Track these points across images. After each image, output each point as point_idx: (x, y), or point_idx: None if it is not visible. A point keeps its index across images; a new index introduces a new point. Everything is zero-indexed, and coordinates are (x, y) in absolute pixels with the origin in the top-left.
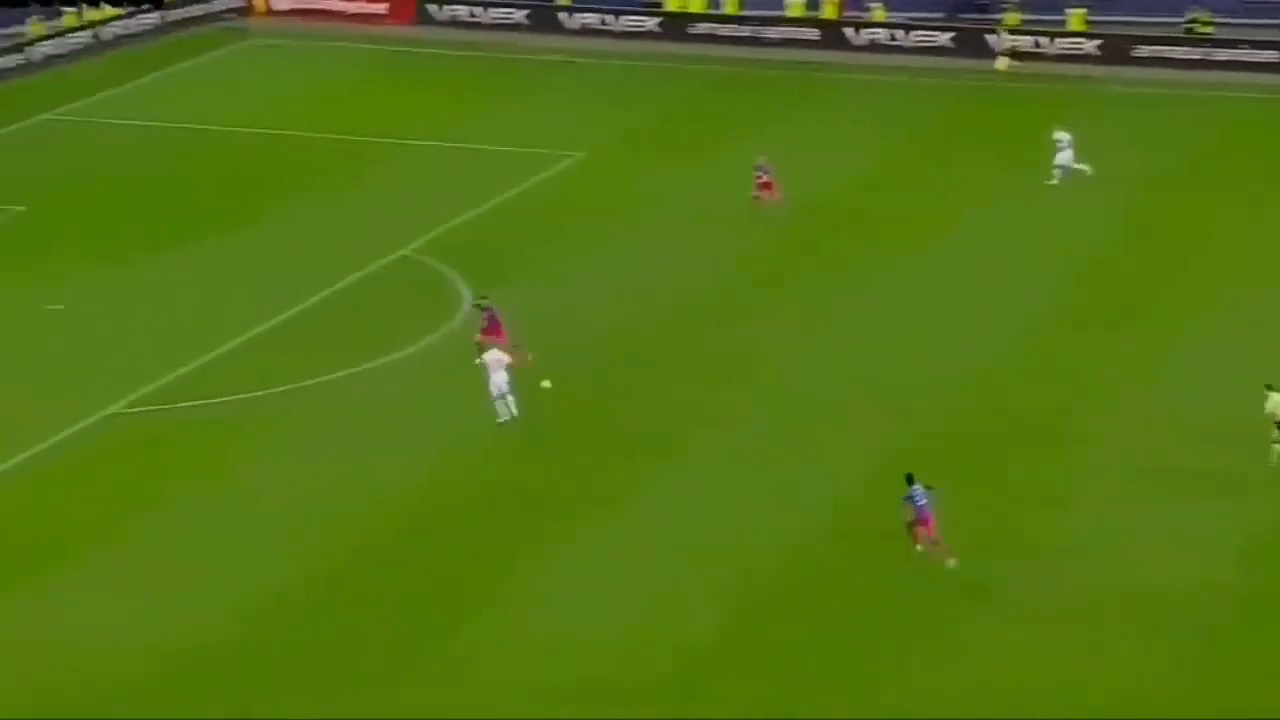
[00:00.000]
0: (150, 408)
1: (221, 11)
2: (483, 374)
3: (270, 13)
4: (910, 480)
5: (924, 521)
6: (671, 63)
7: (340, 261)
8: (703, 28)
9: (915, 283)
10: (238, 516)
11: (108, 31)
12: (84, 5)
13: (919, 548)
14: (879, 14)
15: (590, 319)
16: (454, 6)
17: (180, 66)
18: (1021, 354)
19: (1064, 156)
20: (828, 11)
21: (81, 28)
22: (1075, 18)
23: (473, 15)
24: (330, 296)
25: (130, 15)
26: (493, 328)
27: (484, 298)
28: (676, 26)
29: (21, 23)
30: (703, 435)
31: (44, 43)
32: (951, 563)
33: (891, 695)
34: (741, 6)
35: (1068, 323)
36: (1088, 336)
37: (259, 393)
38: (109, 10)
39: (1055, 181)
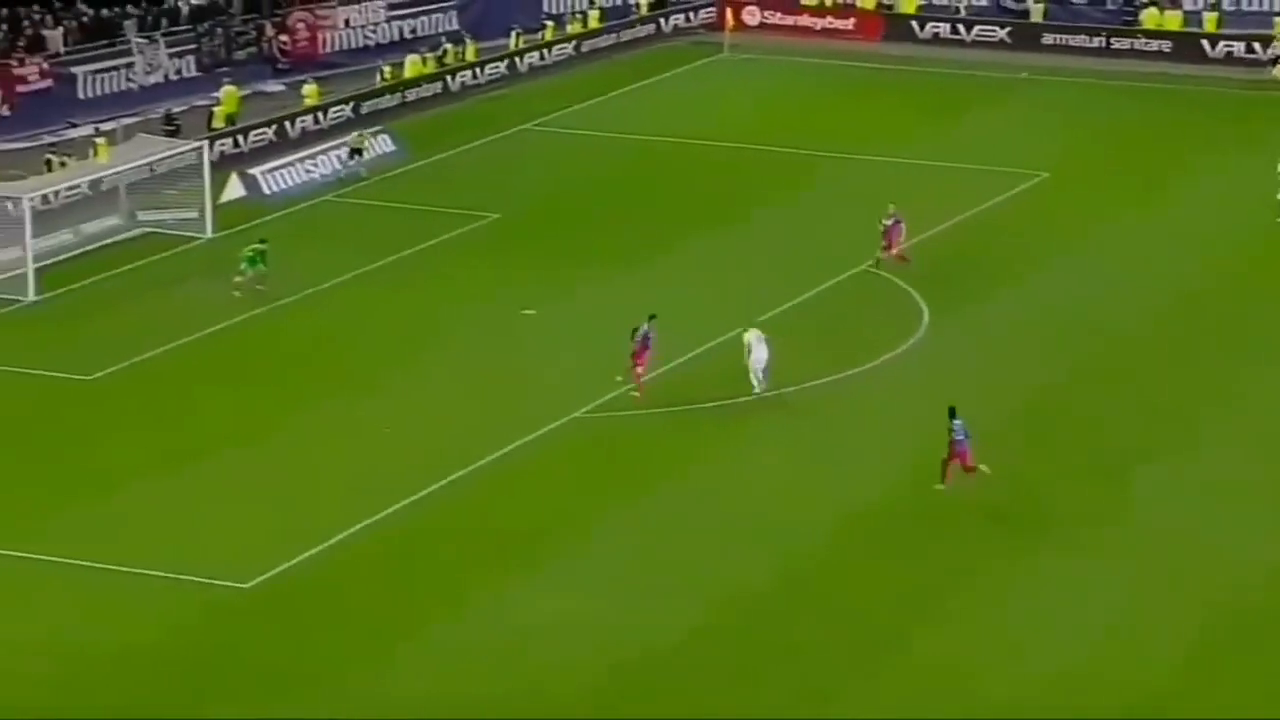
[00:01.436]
0: (614, 413)
1: (696, 26)
2: (747, 351)
3: (742, 28)
4: (953, 414)
5: (960, 455)
6: (1117, 79)
7: (801, 274)
8: (1050, 38)
9: None
10: (696, 521)
11: (584, 45)
12: (572, 18)
13: (942, 486)
14: None
15: (1049, 342)
16: (912, 22)
17: (653, 80)
18: None
19: None
20: None
21: (558, 41)
22: None
23: (929, 30)
24: (791, 309)
25: (607, 31)
26: (642, 348)
27: (653, 317)
28: (1027, 35)
29: (507, 35)
30: (1159, 466)
31: (525, 56)
32: (984, 468)
33: None
34: (1222, 24)
35: None
36: None
37: (719, 402)
38: (592, 24)
39: None
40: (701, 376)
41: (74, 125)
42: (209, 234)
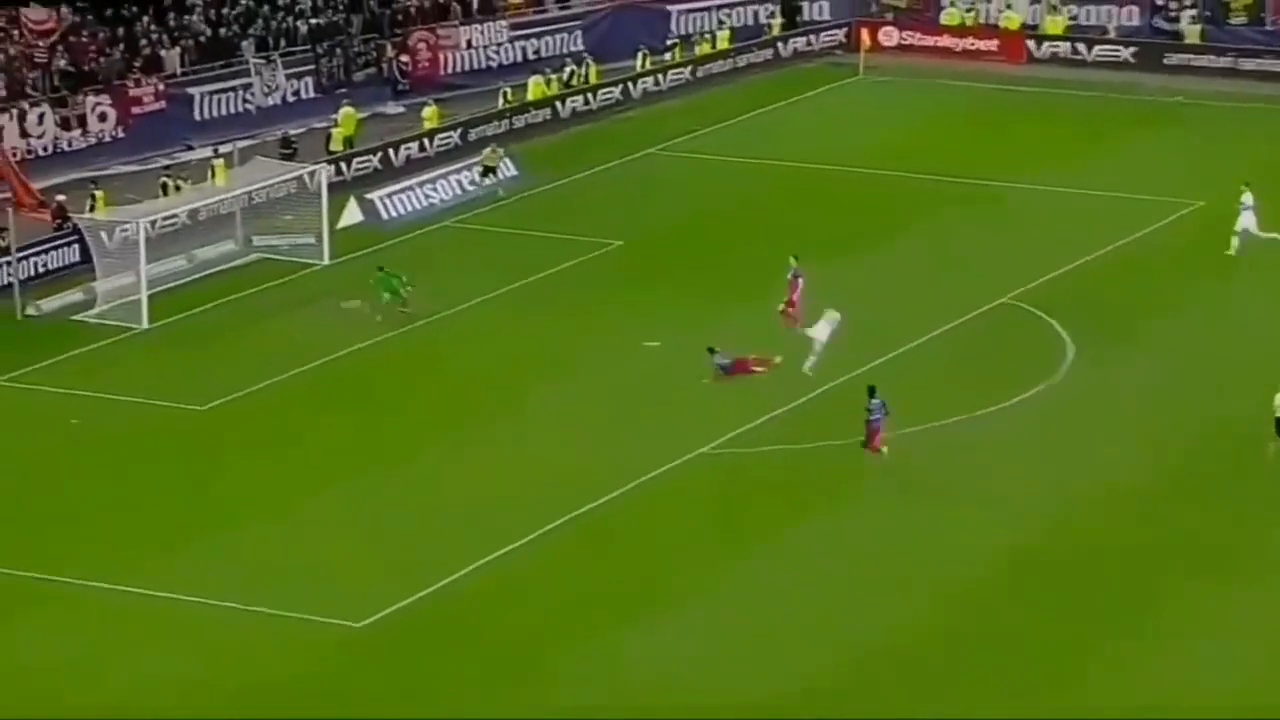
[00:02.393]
0: (743, 449)
1: (831, 47)
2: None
3: (878, 49)
4: (872, 393)
5: (874, 433)
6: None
7: (939, 306)
8: (1177, 59)
9: None
10: (829, 564)
11: (712, 68)
12: (700, 39)
13: (882, 451)
14: None
15: (1204, 379)
16: (1059, 44)
17: (785, 103)
18: None
19: (1245, 219)
20: None
21: (685, 63)
22: None
23: (1076, 52)
24: (929, 342)
25: (737, 52)
26: (738, 366)
27: (711, 348)
28: (1151, 57)
29: (633, 56)
30: None
31: (650, 77)
32: (884, 450)
33: None
34: None
35: None
36: None
37: (855, 439)
38: (722, 45)
39: (1232, 251)
40: (835, 411)
41: (190, 147)
42: (325, 260)
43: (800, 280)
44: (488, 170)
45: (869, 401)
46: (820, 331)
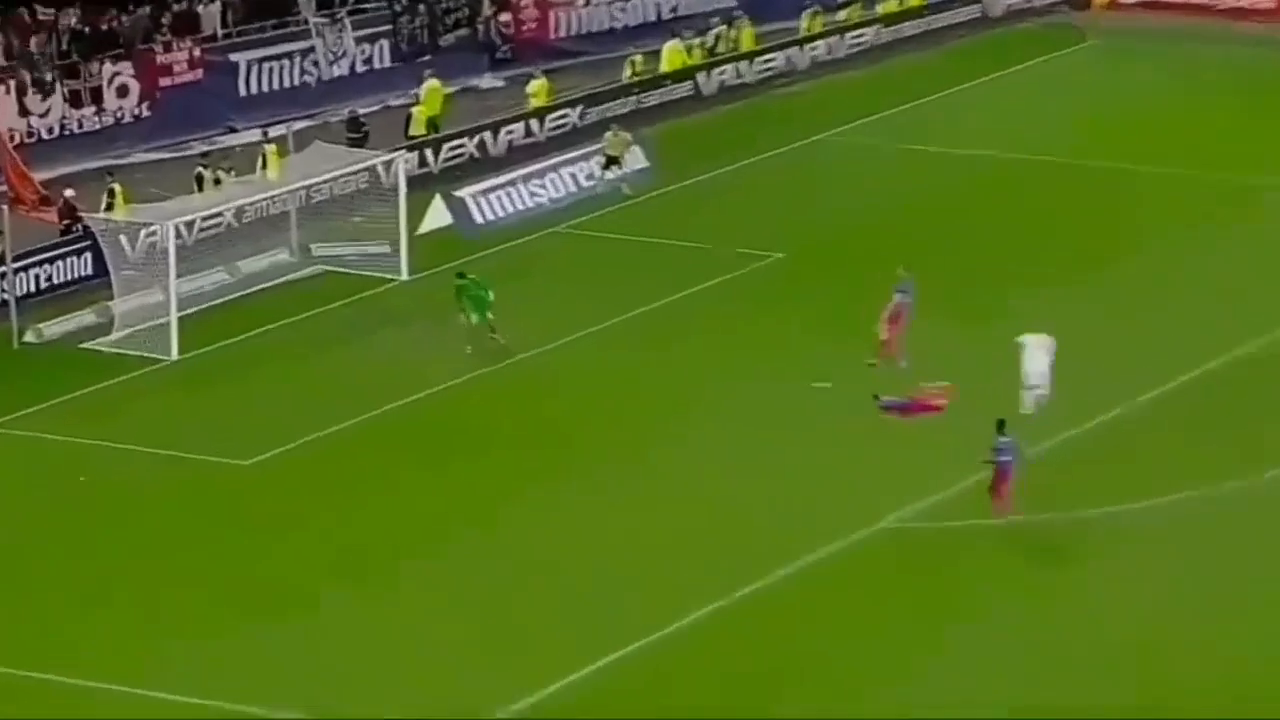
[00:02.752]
0: (938, 523)
1: (1050, 5)
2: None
3: (1113, 5)
4: (1001, 428)
5: (1004, 480)
6: None
7: (1187, 344)
8: None
9: None
10: (1039, 667)
11: (901, 30)
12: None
13: (996, 519)
14: None
15: None
16: None
17: (993, 76)
18: None
19: None
20: None
21: (865, 24)
22: None
23: None
24: (1181, 387)
25: (930, 10)
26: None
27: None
28: None
29: (796, 16)
30: None
31: (815, 44)
32: (1016, 517)
33: None
34: None
35: None
36: None
37: (1078, 513)
38: (913, 1)
39: None
40: (1057, 477)
41: (233, 130)
42: (404, 275)
43: (899, 297)
44: (610, 161)
45: (997, 439)
46: (1037, 361)
